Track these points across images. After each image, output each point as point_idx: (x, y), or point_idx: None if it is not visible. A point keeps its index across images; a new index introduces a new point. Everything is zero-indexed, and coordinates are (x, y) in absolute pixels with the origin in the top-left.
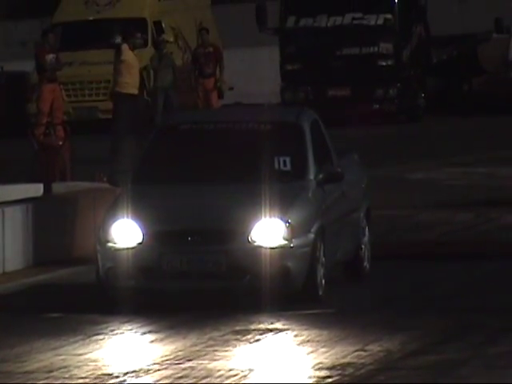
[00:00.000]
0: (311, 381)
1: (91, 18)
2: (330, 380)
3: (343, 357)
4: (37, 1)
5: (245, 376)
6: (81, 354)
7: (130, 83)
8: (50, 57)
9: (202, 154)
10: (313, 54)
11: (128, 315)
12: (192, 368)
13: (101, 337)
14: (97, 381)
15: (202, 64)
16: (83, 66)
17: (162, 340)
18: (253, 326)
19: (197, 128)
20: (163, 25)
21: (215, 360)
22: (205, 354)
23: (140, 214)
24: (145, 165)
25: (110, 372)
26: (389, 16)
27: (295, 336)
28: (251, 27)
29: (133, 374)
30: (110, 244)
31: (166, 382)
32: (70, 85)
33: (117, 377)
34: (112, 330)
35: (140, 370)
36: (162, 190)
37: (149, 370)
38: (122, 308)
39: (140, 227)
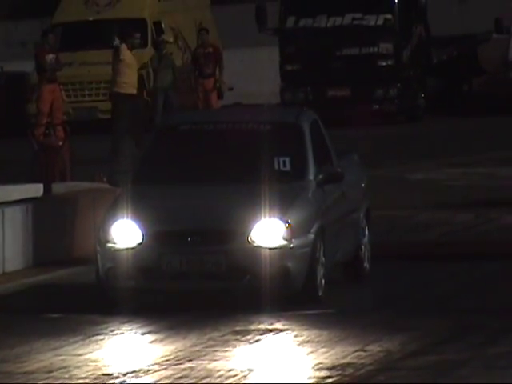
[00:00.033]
0: (311, 381)
1: (91, 19)
2: (329, 380)
3: (343, 357)
4: (37, 1)
5: (245, 376)
6: (81, 355)
7: (129, 83)
8: (50, 57)
9: (201, 154)
10: (312, 54)
11: (128, 315)
12: (192, 368)
13: (101, 337)
14: (97, 381)
15: (202, 64)
16: (83, 67)
17: (161, 340)
18: (253, 327)
19: (196, 128)
20: (163, 25)
21: (215, 360)
22: (205, 355)
23: (140, 215)
24: (144, 165)
25: (110, 372)
26: (389, 16)
27: (295, 336)
28: (251, 27)
29: (132, 375)
30: (109, 244)
31: (166, 382)
32: (69, 85)
33: (117, 377)
34: (112, 331)
35: (140, 370)
36: (162, 191)
37: (148, 371)
38: (121, 308)
39: (140, 227)
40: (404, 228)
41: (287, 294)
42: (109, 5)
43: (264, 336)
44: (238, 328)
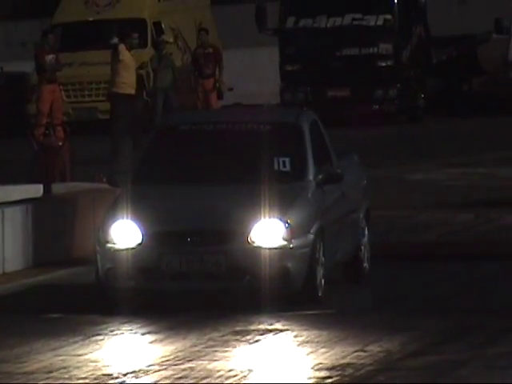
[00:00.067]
0: (311, 381)
1: (91, 19)
2: (329, 380)
3: (343, 357)
4: (37, 1)
5: (244, 376)
6: (80, 355)
7: (128, 83)
8: (50, 57)
9: (201, 154)
10: (312, 54)
11: (128, 316)
12: (192, 368)
13: (100, 337)
14: (96, 381)
15: (202, 65)
16: (83, 67)
17: (161, 341)
18: (252, 327)
19: (196, 129)
20: (163, 25)
21: (215, 360)
22: (204, 355)
23: (139, 215)
24: (144, 165)
25: (110, 372)
26: (388, 17)
27: (295, 336)
28: (251, 28)
29: (132, 375)
30: (109, 245)
31: (166, 382)
32: (69, 85)
33: (116, 377)
34: (112, 331)
35: (139, 370)
36: (162, 191)
37: (148, 371)
38: (121, 309)
39: (139, 228)
40: (404, 228)
41: (287, 295)
42: (109, 5)
43: (264, 336)
44: (237, 328)
